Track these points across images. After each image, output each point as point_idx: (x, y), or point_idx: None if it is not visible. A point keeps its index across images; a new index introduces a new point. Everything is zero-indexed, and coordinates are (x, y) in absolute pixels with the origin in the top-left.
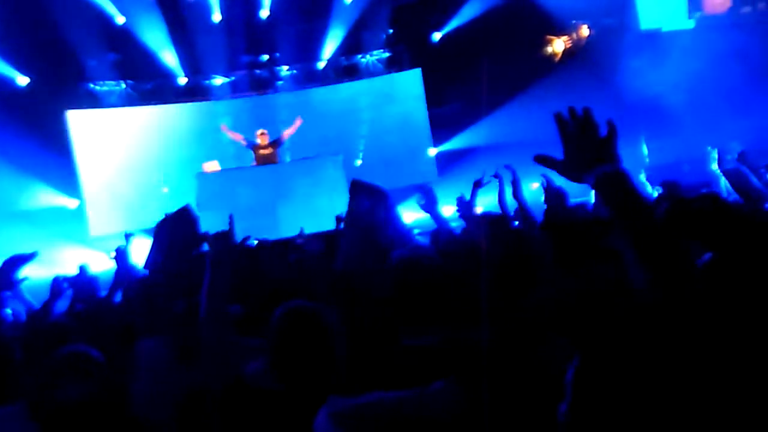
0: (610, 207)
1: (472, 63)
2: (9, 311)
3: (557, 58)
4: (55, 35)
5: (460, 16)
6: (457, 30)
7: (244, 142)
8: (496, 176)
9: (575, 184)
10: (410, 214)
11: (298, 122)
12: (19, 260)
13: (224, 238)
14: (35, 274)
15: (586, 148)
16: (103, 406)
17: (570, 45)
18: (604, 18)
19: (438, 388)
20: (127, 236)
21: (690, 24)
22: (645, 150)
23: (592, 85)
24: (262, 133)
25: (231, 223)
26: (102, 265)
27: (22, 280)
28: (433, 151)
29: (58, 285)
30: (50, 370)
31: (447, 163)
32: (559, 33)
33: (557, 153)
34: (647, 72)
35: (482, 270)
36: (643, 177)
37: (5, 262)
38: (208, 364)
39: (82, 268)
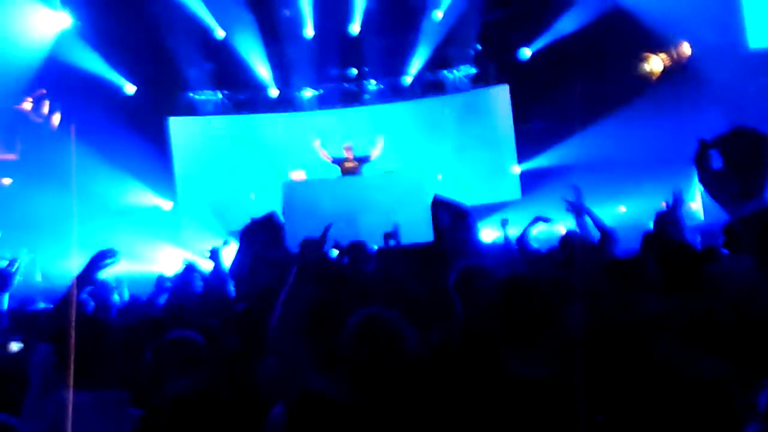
0: (754, 246)
1: (562, 79)
2: (117, 298)
3: (655, 77)
4: (160, 46)
5: (552, 31)
6: (548, 46)
7: (330, 160)
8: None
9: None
10: (491, 233)
11: (380, 142)
12: (102, 257)
13: (316, 246)
14: (129, 269)
15: (727, 181)
16: (212, 398)
17: (669, 63)
18: (708, 35)
19: None
20: (224, 242)
21: None
22: None
23: (693, 106)
24: (347, 148)
25: (326, 232)
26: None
27: (106, 265)
28: (517, 169)
29: (161, 282)
30: (156, 357)
31: (531, 181)
32: (657, 50)
33: (648, 175)
34: (755, 94)
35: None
36: None
37: (92, 258)
38: (277, 372)
39: (188, 266)
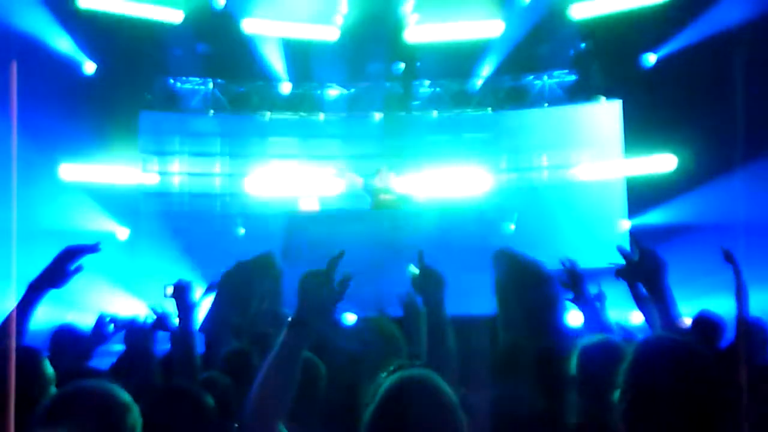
0: None
1: (701, 99)
2: None
3: None
4: (135, 15)
5: (690, 31)
6: (683, 50)
7: (360, 183)
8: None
9: None
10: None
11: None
12: (78, 251)
13: (324, 283)
14: (57, 318)
15: None
16: None
17: None
18: None
19: None
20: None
21: None
22: None
23: None
24: (382, 175)
25: (333, 266)
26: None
27: (76, 271)
28: (626, 224)
29: (102, 325)
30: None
31: (646, 243)
32: None
33: None
34: None
35: None
36: None
37: (61, 253)
38: None
39: (161, 317)
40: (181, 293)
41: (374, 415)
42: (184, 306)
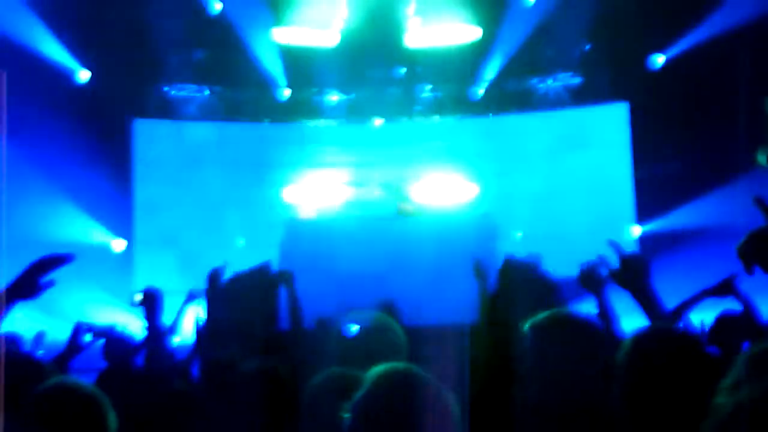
0: None
1: (712, 101)
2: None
3: None
4: (129, 20)
5: (700, 31)
6: (693, 52)
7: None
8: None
9: None
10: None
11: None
12: (50, 262)
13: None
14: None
15: None
16: None
17: None
18: None
19: None
20: (191, 297)
21: None
22: None
23: None
24: (402, 184)
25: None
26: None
27: (49, 284)
28: (636, 230)
29: (79, 334)
30: None
31: (656, 249)
32: None
33: None
34: None
35: None
36: None
37: (32, 264)
38: None
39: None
40: (150, 301)
41: (363, 403)
42: (153, 314)
